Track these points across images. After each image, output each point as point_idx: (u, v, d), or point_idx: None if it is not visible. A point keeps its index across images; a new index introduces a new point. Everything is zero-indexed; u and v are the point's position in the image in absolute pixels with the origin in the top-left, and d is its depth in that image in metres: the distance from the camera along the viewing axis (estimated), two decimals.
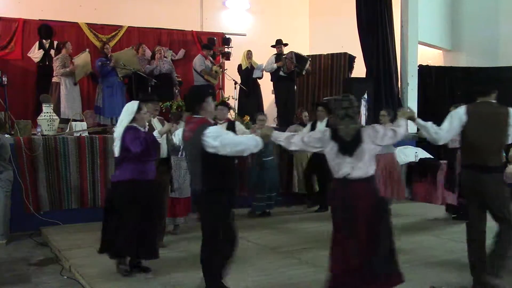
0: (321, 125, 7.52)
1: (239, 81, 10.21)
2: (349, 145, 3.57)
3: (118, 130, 4.57)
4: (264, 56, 10.26)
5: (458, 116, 4.15)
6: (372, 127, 3.73)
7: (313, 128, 7.49)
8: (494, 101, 4.20)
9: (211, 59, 10.23)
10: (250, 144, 3.74)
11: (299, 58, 9.92)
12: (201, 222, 3.89)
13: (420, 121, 4.18)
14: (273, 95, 10.74)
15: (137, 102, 4.71)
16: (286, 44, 10.09)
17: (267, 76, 10.37)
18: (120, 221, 4.54)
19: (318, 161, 6.82)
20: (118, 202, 4.58)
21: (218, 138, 3.63)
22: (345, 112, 3.61)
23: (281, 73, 9.94)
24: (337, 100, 3.67)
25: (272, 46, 10.10)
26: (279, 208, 7.85)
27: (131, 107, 4.64)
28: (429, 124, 4.19)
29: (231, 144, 3.67)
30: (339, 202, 3.60)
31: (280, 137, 3.87)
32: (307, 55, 10.54)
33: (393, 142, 3.87)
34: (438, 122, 4.24)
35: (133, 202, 4.52)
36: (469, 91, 4.41)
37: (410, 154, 8.96)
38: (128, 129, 4.50)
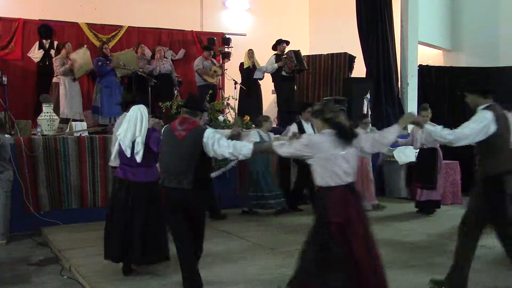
0: (308, 127, 7.46)
1: (239, 81, 10.21)
2: (350, 134, 3.42)
3: (130, 135, 4.51)
4: (264, 56, 10.26)
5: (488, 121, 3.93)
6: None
7: (299, 129, 7.28)
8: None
9: (213, 59, 10.24)
10: (238, 153, 4.00)
11: (297, 56, 9.92)
12: (194, 222, 4.10)
13: (429, 127, 4.08)
14: (274, 95, 10.75)
15: (144, 106, 4.74)
16: (288, 42, 10.09)
17: (267, 76, 10.37)
18: (158, 222, 4.53)
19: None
20: (150, 201, 4.56)
21: (215, 141, 3.98)
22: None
23: (283, 73, 9.95)
24: (333, 102, 3.62)
25: (273, 48, 10.10)
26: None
27: (145, 112, 4.61)
28: (439, 128, 4.09)
29: (221, 149, 3.99)
30: (345, 213, 3.33)
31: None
32: (305, 55, 10.57)
33: (377, 151, 3.69)
34: (438, 122, 4.20)
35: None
36: (486, 90, 4.10)
37: (410, 154, 8.96)
38: (153, 131, 4.62)
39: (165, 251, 4.62)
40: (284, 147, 3.67)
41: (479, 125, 3.92)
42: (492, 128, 3.90)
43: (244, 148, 4.01)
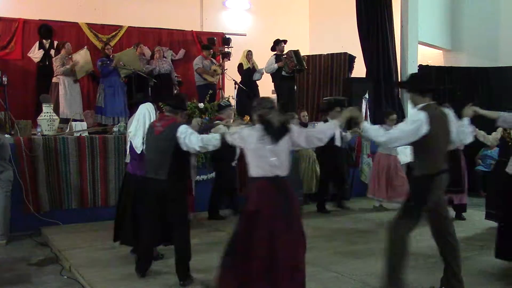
0: None
1: (239, 81, 10.20)
2: (278, 131, 3.57)
3: (140, 132, 4.81)
4: (264, 56, 10.25)
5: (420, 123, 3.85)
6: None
7: None
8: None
9: (212, 59, 10.23)
10: (208, 145, 4.24)
11: (297, 56, 9.92)
12: (170, 211, 4.37)
13: (365, 125, 3.98)
14: (274, 95, 10.74)
15: (151, 104, 5.01)
16: (285, 41, 10.08)
17: (267, 76, 10.37)
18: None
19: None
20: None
21: (187, 136, 4.23)
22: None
23: (283, 73, 9.94)
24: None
25: (272, 49, 10.09)
26: None
27: (152, 110, 4.92)
28: (376, 127, 4.03)
29: (192, 143, 4.23)
30: (259, 203, 3.46)
31: None
32: (305, 55, 10.57)
33: (314, 145, 3.80)
34: None
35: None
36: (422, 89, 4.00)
37: (410, 154, 8.96)
38: None
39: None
40: (228, 135, 3.95)
41: (410, 126, 3.87)
42: (424, 129, 3.80)
43: (212, 139, 4.26)
